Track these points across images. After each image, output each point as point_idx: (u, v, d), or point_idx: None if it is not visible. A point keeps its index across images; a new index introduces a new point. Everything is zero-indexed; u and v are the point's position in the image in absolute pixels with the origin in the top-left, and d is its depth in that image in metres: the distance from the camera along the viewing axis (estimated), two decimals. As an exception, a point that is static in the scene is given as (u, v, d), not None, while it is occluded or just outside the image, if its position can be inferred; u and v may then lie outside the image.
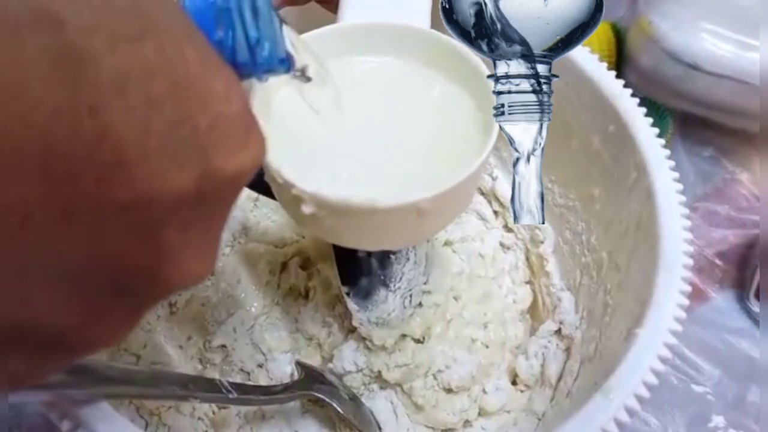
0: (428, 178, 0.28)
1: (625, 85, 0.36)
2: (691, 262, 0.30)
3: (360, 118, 0.30)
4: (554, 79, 0.38)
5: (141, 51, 0.15)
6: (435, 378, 0.40)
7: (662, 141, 0.34)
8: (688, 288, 0.30)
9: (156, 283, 0.17)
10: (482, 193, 0.47)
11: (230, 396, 0.31)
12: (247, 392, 0.32)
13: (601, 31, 0.57)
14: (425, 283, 0.41)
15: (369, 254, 0.39)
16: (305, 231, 0.34)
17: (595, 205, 0.38)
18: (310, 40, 0.30)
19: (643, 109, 0.35)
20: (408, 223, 0.28)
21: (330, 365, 0.40)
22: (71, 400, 0.25)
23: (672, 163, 0.33)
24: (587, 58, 0.37)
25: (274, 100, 0.30)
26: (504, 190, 0.45)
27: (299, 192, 0.27)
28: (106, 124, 0.14)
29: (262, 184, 0.30)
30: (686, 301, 0.29)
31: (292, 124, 0.30)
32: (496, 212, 0.46)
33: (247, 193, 0.46)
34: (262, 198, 0.46)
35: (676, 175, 0.33)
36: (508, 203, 0.45)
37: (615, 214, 0.36)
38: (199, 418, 0.37)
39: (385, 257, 0.39)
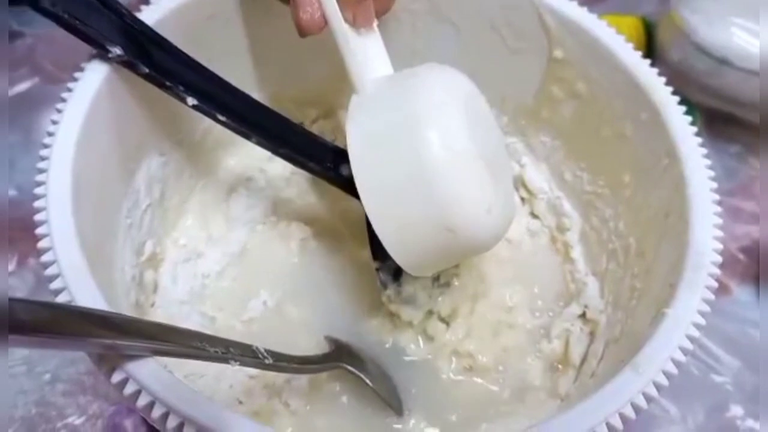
0: None
1: (658, 66, 0.37)
2: (720, 246, 0.31)
3: None
4: (587, 68, 0.39)
5: None
6: (460, 358, 0.41)
7: (695, 129, 0.35)
8: (717, 271, 0.30)
9: None
10: (510, 180, 0.47)
11: (266, 362, 0.31)
12: (281, 360, 0.33)
13: (632, 25, 0.58)
14: (456, 265, 0.42)
15: (401, 232, 0.40)
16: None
17: (625, 191, 0.38)
18: None
19: (677, 98, 0.36)
20: None
21: (357, 341, 0.41)
22: (120, 354, 0.26)
23: (704, 150, 0.34)
24: (623, 47, 0.38)
25: None
26: (532, 177, 0.46)
27: None
28: None
29: None
30: (715, 284, 0.30)
31: None
32: (522, 199, 0.47)
33: (279, 172, 0.47)
34: (295, 177, 0.47)
35: (708, 162, 0.33)
36: (535, 190, 0.46)
37: (644, 200, 0.37)
38: (231, 386, 0.38)
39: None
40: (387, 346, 0.41)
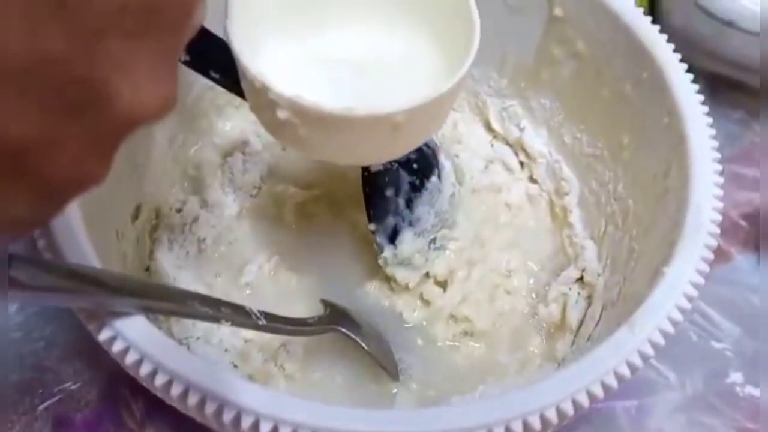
0: (406, 93, 0.29)
1: (661, 31, 0.36)
2: (720, 205, 0.30)
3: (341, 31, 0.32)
4: (588, 27, 0.38)
5: None
6: (456, 322, 0.40)
7: (696, 86, 0.34)
8: (716, 230, 0.30)
9: (110, 100, 0.16)
10: (508, 144, 0.47)
11: (259, 322, 0.31)
12: (275, 321, 0.33)
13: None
14: (450, 228, 0.42)
15: (396, 194, 0.39)
16: (280, 140, 0.37)
17: (624, 152, 0.38)
18: None
19: (678, 55, 0.35)
20: (382, 137, 0.29)
21: (354, 306, 0.41)
22: (109, 310, 0.25)
23: (705, 108, 0.33)
24: (623, 4, 0.37)
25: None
26: (531, 141, 0.45)
27: (276, 97, 0.27)
28: None
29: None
30: (714, 243, 0.29)
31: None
32: (522, 163, 0.46)
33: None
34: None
35: (710, 120, 0.33)
36: (534, 154, 0.45)
37: (644, 161, 0.36)
38: (226, 350, 0.38)
39: (412, 198, 0.40)
40: (383, 311, 0.41)
